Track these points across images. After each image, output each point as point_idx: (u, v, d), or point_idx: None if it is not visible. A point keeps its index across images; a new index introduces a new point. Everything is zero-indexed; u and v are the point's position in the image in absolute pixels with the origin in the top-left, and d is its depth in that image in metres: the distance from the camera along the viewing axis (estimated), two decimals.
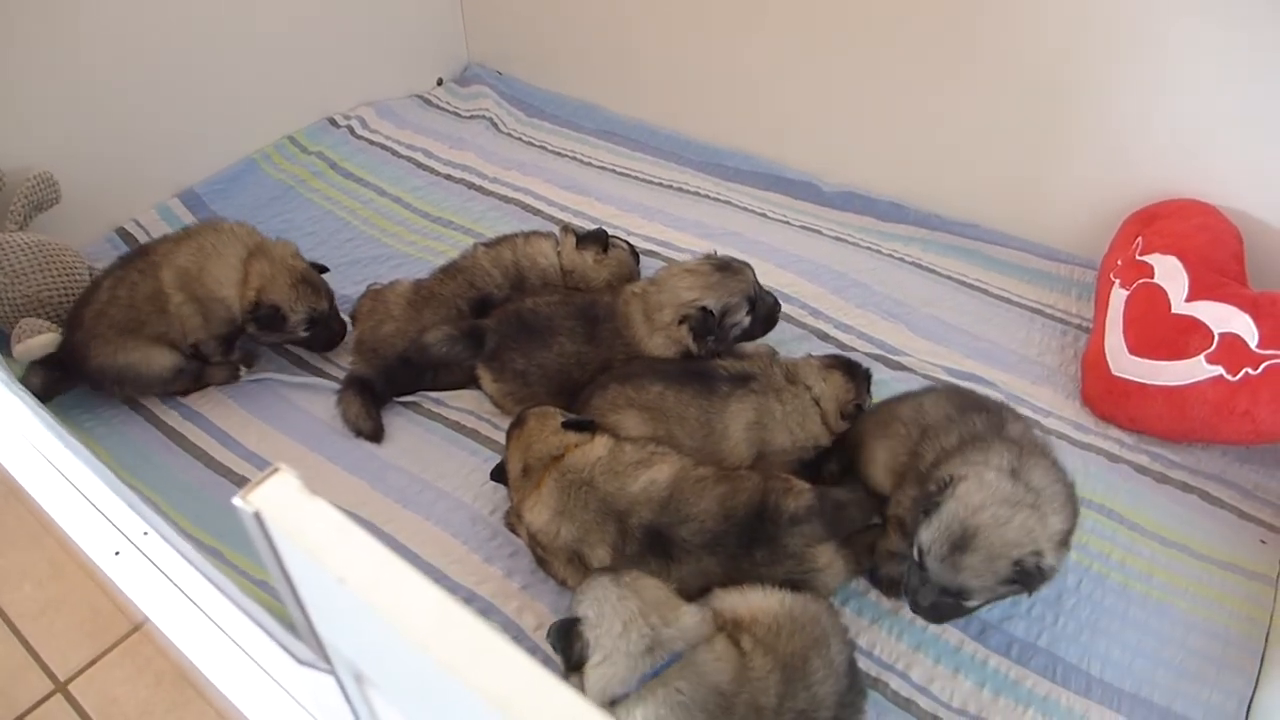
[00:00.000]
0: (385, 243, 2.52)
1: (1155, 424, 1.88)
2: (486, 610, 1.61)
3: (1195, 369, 1.79)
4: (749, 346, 1.99)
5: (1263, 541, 1.74)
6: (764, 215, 2.58)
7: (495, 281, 2.06)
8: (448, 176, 2.78)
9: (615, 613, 1.28)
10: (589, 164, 2.86)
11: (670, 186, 2.73)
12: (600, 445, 1.60)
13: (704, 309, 1.81)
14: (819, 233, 2.51)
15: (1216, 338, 1.78)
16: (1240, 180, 2.04)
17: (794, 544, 1.49)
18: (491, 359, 1.91)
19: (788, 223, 2.55)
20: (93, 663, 1.82)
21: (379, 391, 1.99)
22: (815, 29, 2.50)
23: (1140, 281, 1.97)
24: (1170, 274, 1.92)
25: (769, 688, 1.26)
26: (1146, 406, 1.86)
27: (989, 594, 1.36)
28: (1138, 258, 2.02)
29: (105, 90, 2.33)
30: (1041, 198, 2.38)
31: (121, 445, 1.95)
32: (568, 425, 1.64)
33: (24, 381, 1.88)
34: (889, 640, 1.57)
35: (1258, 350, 1.74)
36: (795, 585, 1.44)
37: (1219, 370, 1.76)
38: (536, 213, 2.62)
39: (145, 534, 1.16)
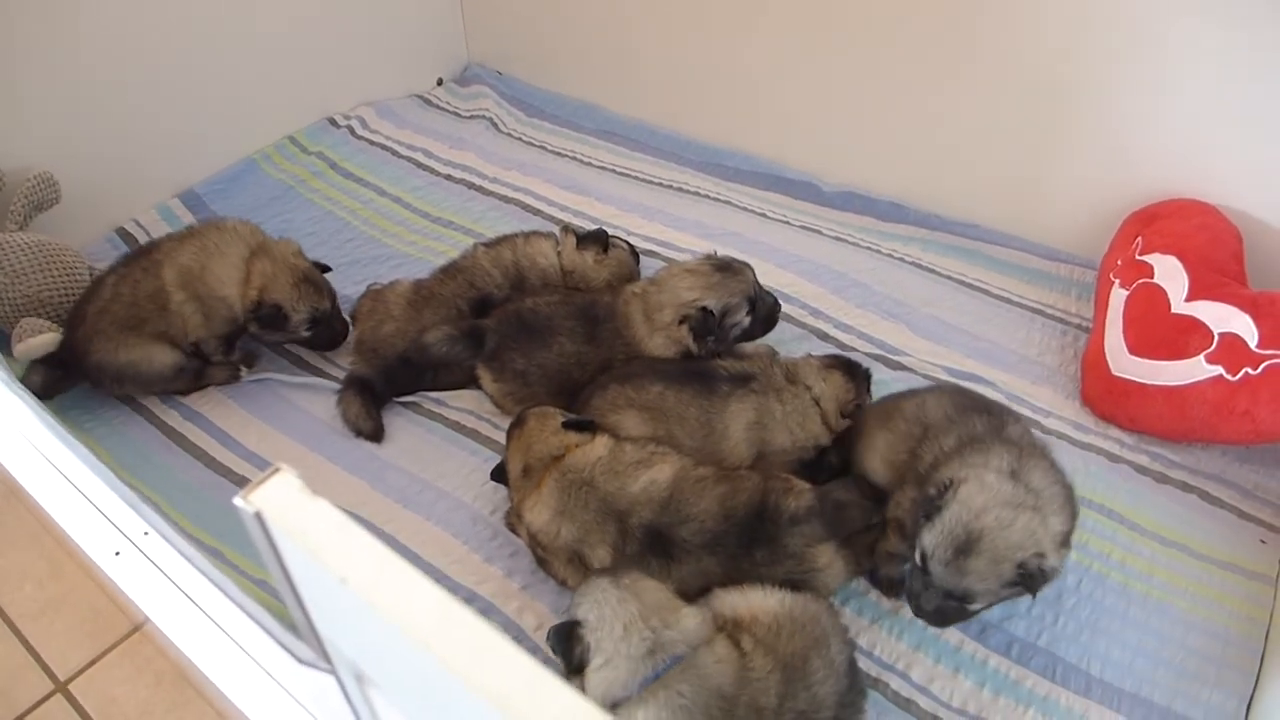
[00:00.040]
0: (385, 243, 2.52)
1: (1155, 424, 1.88)
2: (487, 610, 1.61)
3: (1195, 369, 1.79)
4: (749, 346, 2.00)
5: (1262, 541, 1.74)
6: (764, 215, 2.58)
7: (495, 282, 2.06)
8: (448, 177, 2.78)
9: (616, 616, 1.27)
10: (589, 164, 2.86)
11: (670, 186, 2.73)
12: (600, 445, 1.60)
13: (704, 309, 1.81)
14: (819, 233, 2.51)
15: (1216, 337, 1.79)
16: (1240, 180, 2.04)
17: (794, 544, 1.49)
18: (491, 359, 1.91)
19: (788, 223, 2.55)
20: (93, 663, 1.82)
21: (379, 391, 1.99)
22: (815, 29, 2.50)
23: (1140, 281, 1.97)
24: (1170, 274, 1.92)
25: (769, 688, 1.26)
26: (1146, 406, 1.87)
27: (992, 597, 1.36)
28: (1137, 257, 2.02)
29: (105, 90, 2.33)
30: (1041, 198, 2.38)
31: (122, 445, 1.95)
32: (568, 425, 1.64)
33: (25, 380, 1.89)
34: (889, 640, 1.57)
35: (1257, 350, 1.74)
36: (795, 585, 1.44)
37: (1219, 370, 1.76)
38: (536, 213, 2.62)
39: (145, 534, 1.16)
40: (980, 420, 1.52)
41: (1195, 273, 1.89)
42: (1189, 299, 1.86)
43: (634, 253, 2.21)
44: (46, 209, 2.20)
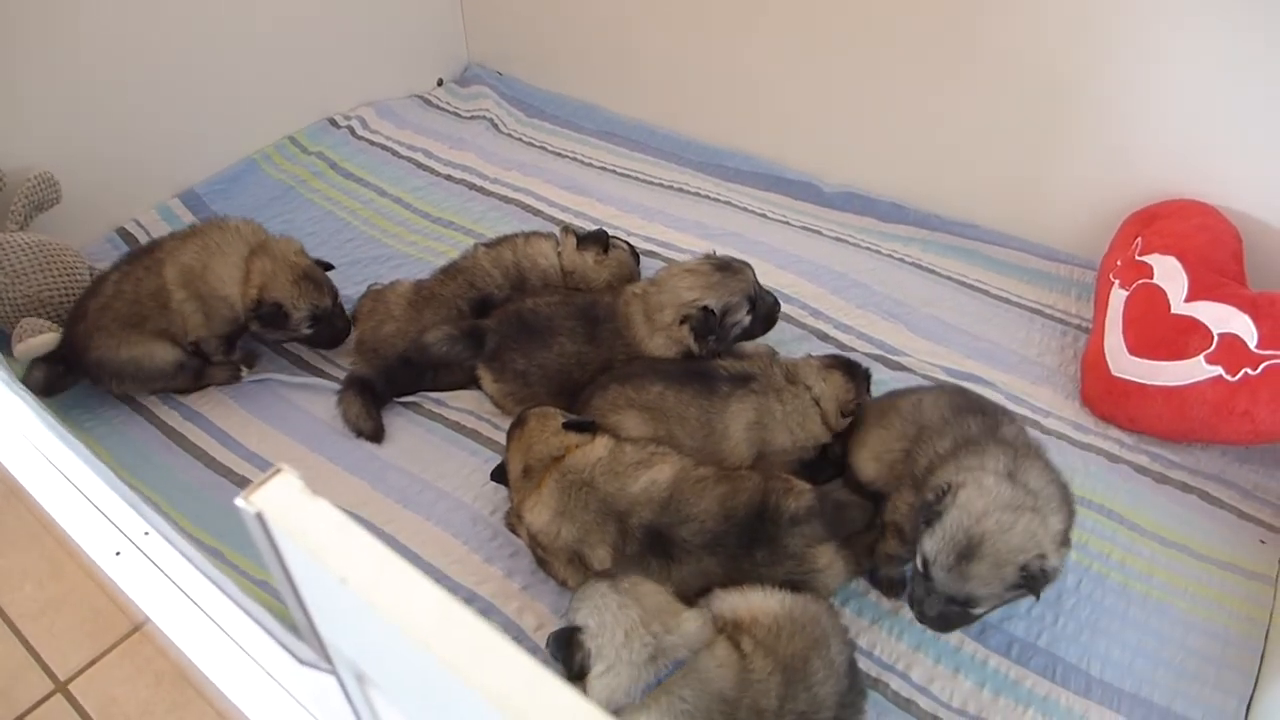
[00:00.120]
0: (386, 243, 2.52)
1: (1155, 424, 1.88)
2: (487, 610, 1.61)
3: (1195, 369, 1.79)
4: (749, 346, 2.00)
5: (1262, 541, 1.74)
6: (764, 216, 2.58)
7: (496, 282, 2.06)
8: (448, 177, 2.78)
9: (617, 621, 1.27)
10: (589, 164, 2.86)
11: (670, 187, 2.74)
12: (601, 446, 1.60)
13: (705, 309, 1.81)
14: (819, 233, 2.51)
15: (1216, 338, 1.79)
16: (1239, 180, 2.04)
17: (794, 544, 1.49)
18: (492, 359, 1.91)
19: (788, 223, 2.55)
20: (93, 663, 1.82)
21: (379, 392, 1.99)
22: (815, 29, 2.50)
23: (1140, 282, 1.97)
24: (1170, 274, 1.92)
25: (770, 690, 1.26)
26: (1146, 407, 1.87)
27: (996, 600, 1.36)
28: (1137, 258, 2.02)
29: (105, 90, 2.33)
30: (1041, 198, 2.39)
31: (122, 445, 1.95)
32: (568, 426, 1.64)
33: (26, 377, 1.89)
34: (889, 640, 1.57)
35: (1257, 350, 1.74)
36: (795, 586, 1.44)
37: (1218, 370, 1.76)
38: (537, 213, 2.62)
39: (146, 534, 1.16)
40: (975, 422, 1.52)
41: (1195, 273, 1.89)
42: (1188, 299, 1.86)
43: (634, 253, 2.21)
44: (47, 209, 2.20)
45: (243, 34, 2.59)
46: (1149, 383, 1.85)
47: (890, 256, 2.42)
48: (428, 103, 3.17)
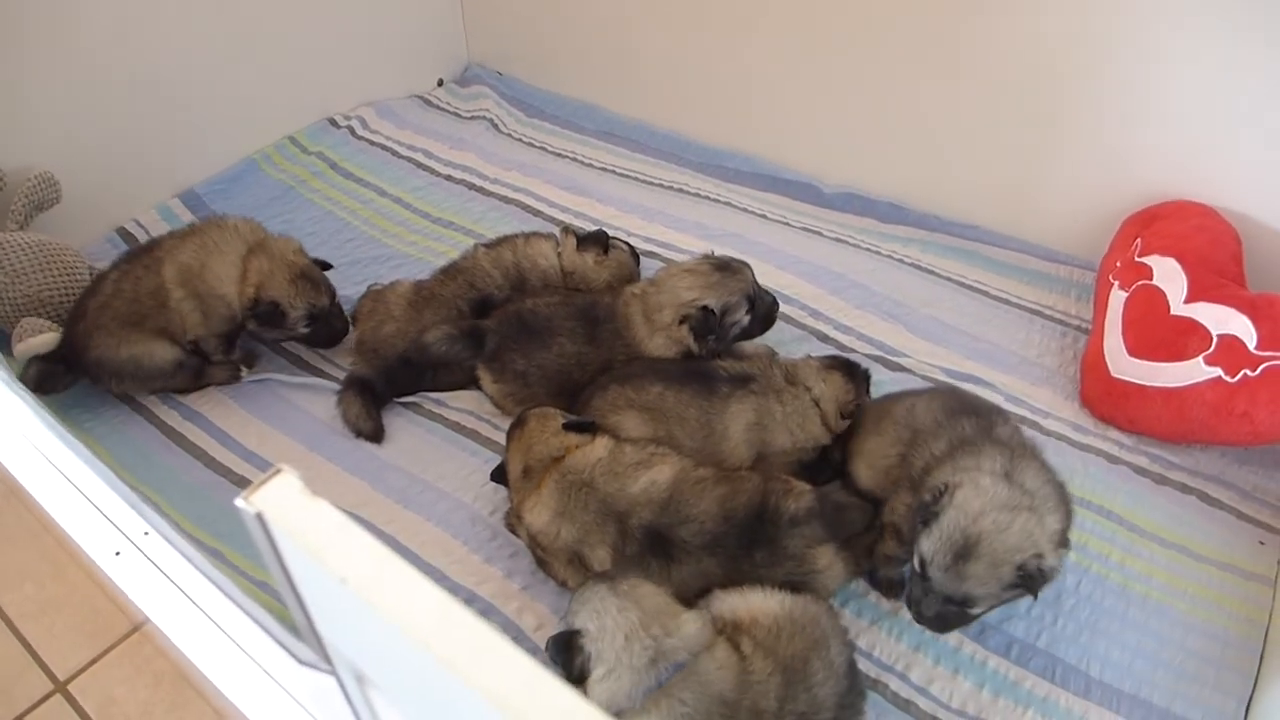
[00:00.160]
0: (386, 243, 2.52)
1: (1154, 425, 1.88)
2: (487, 611, 1.61)
3: (1194, 370, 1.79)
4: (748, 347, 2.00)
5: (1261, 543, 1.74)
6: (764, 216, 2.59)
7: (496, 282, 2.06)
8: (448, 177, 2.78)
9: (617, 625, 1.26)
10: (589, 165, 2.86)
11: (670, 188, 2.74)
12: (600, 446, 1.60)
13: (705, 308, 1.81)
14: (819, 234, 2.51)
15: (1215, 339, 1.79)
16: (1239, 182, 2.04)
17: (794, 545, 1.50)
18: (492, 360, 1.91)
19: (787, 224, 2.55)
20: (92, 663, 1.82)
21: (379, 392, 2.00)
22: (815, 30, 2.50)
23: (1139, 283, 1.97)
24: (1169, 275, 1.92)
25: (769, 691, 1.25)
26: (1145, 408, 1.87)
27: (993, 600, 1.36)
28: (1136, 259, 2.02)
29: (105, 90, 2.33)
30: (1040, 199, 2.39)
31: (122, 445, 1.95)
32: (568, 426, 1.64)
33: (22, 373, 1.89)
34: (888, 641, 1.58)
35: (1256, 352, 1.74)
36: (795, 587, 1.44)
37: (1217, 372, 1.77)
38: (537, 214, 2.62)
39: (146, 534, 1.16)
40: (969, 423, 1.52)
41: (1194, 274, 1.89)
42: (1188, 301, 1.86)
43: (634, 254, 2.21)
44: (47, 209, 2.20)
45: (243, 34, 2.59)
46: (1148, 384, 1.85)
47: (890, 257, 2.43)
48: (428, 103, 3.17)
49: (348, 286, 2.26)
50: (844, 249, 2.45)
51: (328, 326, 2.03)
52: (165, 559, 1.13)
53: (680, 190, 2.72)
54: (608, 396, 1.76)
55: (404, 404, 2.03)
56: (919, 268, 2.39)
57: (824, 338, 2.16)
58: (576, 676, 1.26)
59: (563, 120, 3.10)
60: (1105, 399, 1.95)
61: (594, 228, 2.22)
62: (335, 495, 1.82)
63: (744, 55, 2.68)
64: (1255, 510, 1.79)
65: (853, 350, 2.11)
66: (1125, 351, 1.92)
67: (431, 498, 1.83)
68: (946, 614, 1.38)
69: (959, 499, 1.35)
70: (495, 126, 3.05)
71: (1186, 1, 1.92)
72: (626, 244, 2.21)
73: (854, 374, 1.78)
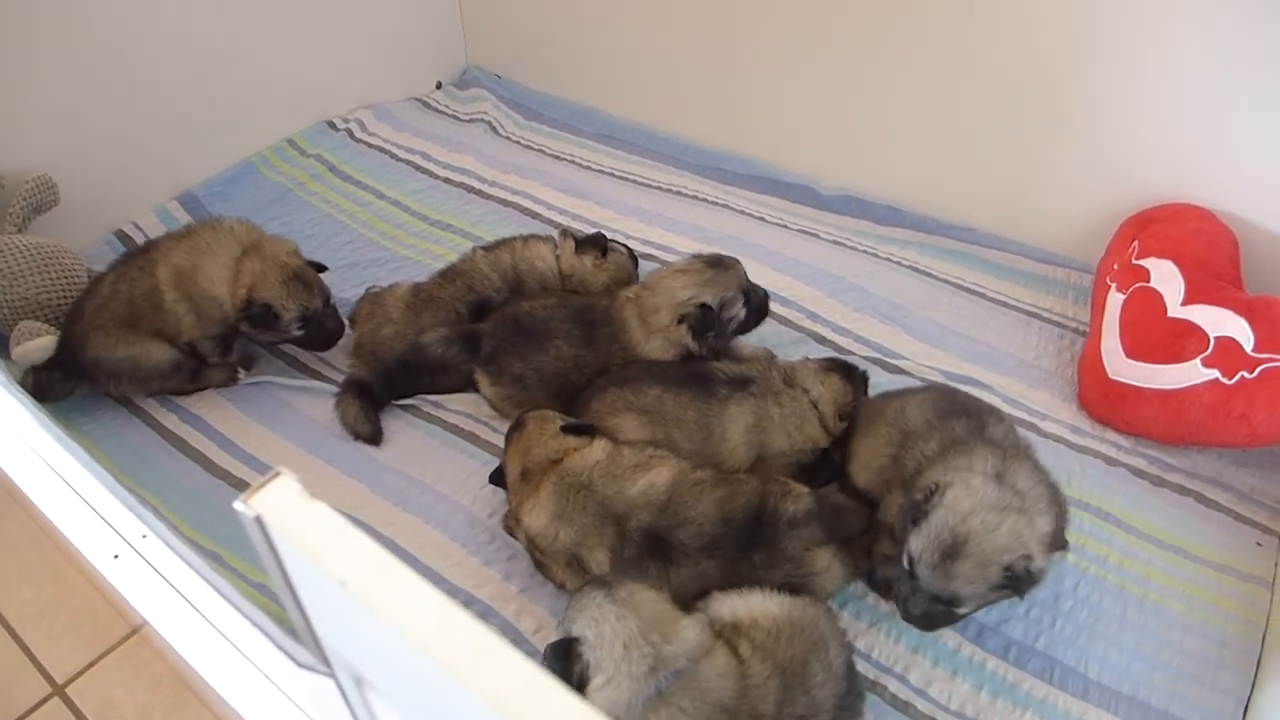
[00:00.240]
0: (384, 246, 2.52)
1: (1151, 427, 1.89)
2: (485, 613, 1.61)
3: (1191, 372, 1.80)
4: (747, 350, 2.00)
5: (1258, 544, 1.74)
6: (761, 219, 2.59)
7: (494, 285, 2.07)
8: (446, 180, 2.78)
9: (615, 633, 1.25)
10: (587, 167, 2.86)
11: (669, 190, 2.74)
12: (599, 449, 1.60)
13: (703, 305, 1.81)
14: (816, 236, 2.51)
15: (1212, 341, 1.79)
16: (1236, 184, 2.05)
17: (792, 547, 1.50)
18: (488, 363, 1.91)
19: (785, 226, 2.56)
20: (91, 666, 1.82)
21: (378, 394, 1.99)
22: (813, 33, 2.51)
23: (1136, 285, 1.98)
24: (1166, 278, 1.93)
25: (768, 694, 1.25)
26: (1143, 410, 1.87)
27: (980, 600, 1.37)
28: (1134, 261, 2.03)
29: (104, 93, 2.33)
30: (1038, 201, 2.39)
31: (120, 448, 1.95)
32: (566, 429, 1.64)
33: (21, 380, 1.88)
34: (887, 643, 1.58)
35: (1253, 354, 1.75)
36: (793, 588, 1.44)
37: (1214, 374, 1.77)
38: (535, 216, 2.62)
39: (144, 537, 1.16)
40: (960, 424, 1.52)
41: (1191, 277, 1.90)
42: (1185, 303, 1.87)
43: (632, 256, 2.21)
44: (45, 211, 2.20)
45: (241, 36, 2.60)
46: (1146, 386, 1.86)
47: (888, 260, 2.43)
48: (426, 105, 3.18)
49: (346, 289, 2.26)
50: (842, 251, 2.45)
51: (322, 328, 2.01)
52: (164, 562, 1.13)
53: (678, 193, 2.72)
54: (606, 399, 1.76)
55: (402, 406, 2.03)
56: (917, 270, 2.40)
57: (822, 340, 2.16)
58: (575, 685, 1.26)
59: (561, 123, 3.10)
60: (1103, 401, 1.95)
61: (592, 230, 2.22)
62: (334, 498, 1.82)
63: (741, 58, 2.69)
64: (1253, 512, 1.80)
65: (851, 353, 2.11)
66: (1123, 353, 1.92)
67: (430, 500, 1.82)
68: (933, 613, 1.39)
69: (949, 498, 1.35)
70: (494, 129, 3.06)
71: (1185, 3, 1.92)
72: (625, 246, 2.21)
73: (852, 376, 1.78)
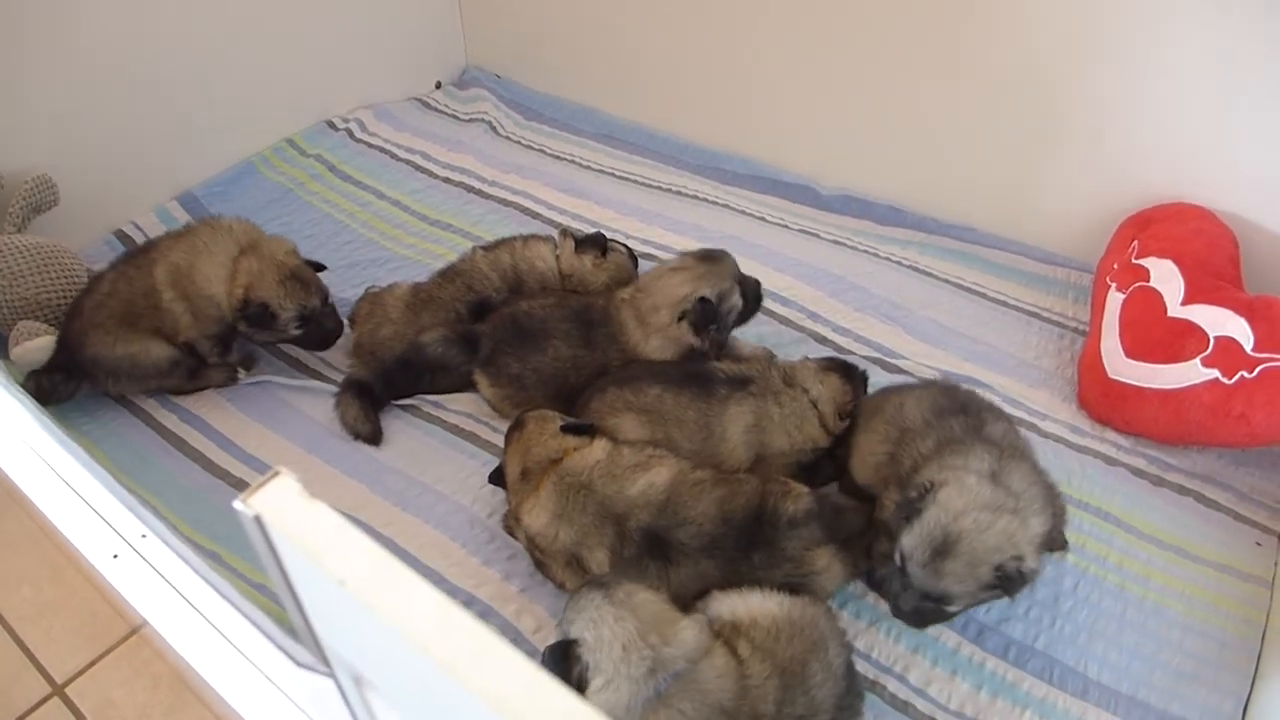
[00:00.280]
0: (384, 246, 2.52)
1: (1151, 427, 1.89)
2: (485, 613, 1.61)
3: (1191, 372, 1.80)
4: (746, 349, 2.00)
5: (1258, 544, 1.74)
6: (762, 219, 2.59)
7: (493, 285, 2.06)
8: (446, 179, 2.78)
9: (614, 635, 1.25)
10: (587, 167, 2.86)
11: (669, 190, 2.74)
12: (599, 448, 1.60)
13: (702, 299, 1.81)
14: (817, 236, 2.51)
15: (1212, 341, 1.79)
16: (1236, 184, 2.05)
17: (792, 547, 1.50)
18: (487, 363, 1.91)
19: (786, 226, 2.56)
20: (90, 665, 1.82)
21: (377, 394, 1.99)
22: (813, 33, 2.51)
23: (1136, 285, 1.98)
24: (1166, 277, 1.93)
25: (768, 694, 1.25)
26: (1142, 409, 1.87)
27: (970, 599, 1.37)
28: (1134, 261, 2.03)
29: (104, 92, 2.33)
30: (1038, 201, 2.39)
31: (120, 448, 1.95)
32: (566, 429, 1.64)
33: (24, 387, 1.88)
34: (887, 643, 1.58)
35: (1253, 353, 1.75)
36: (793, 588, 1.44)
37: (1214, 373, 1.77)
38: (535, 216, 2.62)
39: (144, 537, 1.16)
40: (957, 423, 1.52)
41: (1191, 276, 1.90)
42: (1185, 302, 1.87)
43: (632, 256, 2.21)
44: (45, 211, 2.20)
45: (241, 36, 2.59)
46: (1145, 385, 1.86)
47: (888, 259, 2.43)
48: (426, 105, 3.18)
49: (346, 289, 2.26)
50: (842, 251, 2.45)
51: (320, 328, 2.00)
52: (163, 562, 1.13)
53: (678, 192, 2.72)
54: (606, 399, 1.76)
55: (402, 406, 2.03)
56: (917, 270, 2.40)
57: (822, 340, 2.16)
58: (575, 686, 1.25)
59: (561, 123, 3.10)
60: (1103, 400, 1.95)
61: (592, 230, 2.22)
62: (333, 498, 1.82)
63: (741, 58, 2.69)
64: (1252, 511, 1.80)
65: (851, 352, 2.11)
66: (1122, 353, 1.92)
67: (430, 500, 1.82)
68: (924, 610, 1.39)
69: (942, 497, 1.35)
70: (494, 129, 3.06)
71: (1185, 3, 1.92)
72: (625, 246, 2.21)
73: (852, 376, 1.78)
